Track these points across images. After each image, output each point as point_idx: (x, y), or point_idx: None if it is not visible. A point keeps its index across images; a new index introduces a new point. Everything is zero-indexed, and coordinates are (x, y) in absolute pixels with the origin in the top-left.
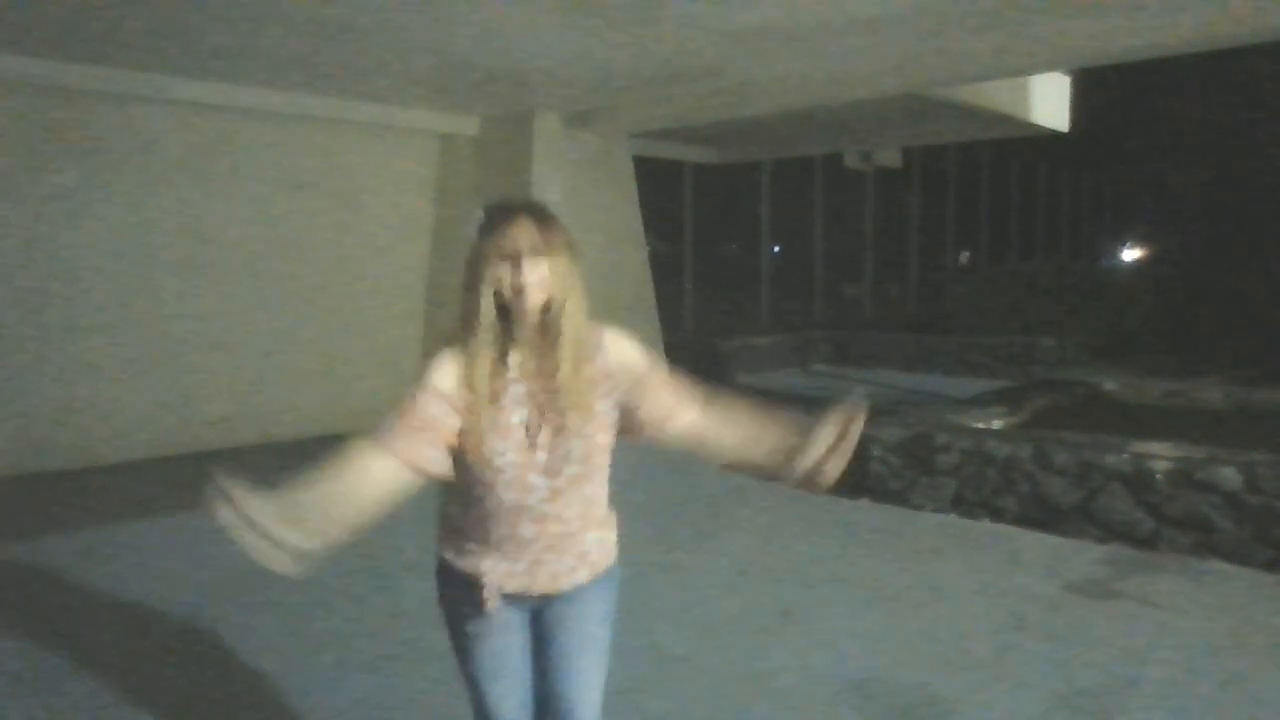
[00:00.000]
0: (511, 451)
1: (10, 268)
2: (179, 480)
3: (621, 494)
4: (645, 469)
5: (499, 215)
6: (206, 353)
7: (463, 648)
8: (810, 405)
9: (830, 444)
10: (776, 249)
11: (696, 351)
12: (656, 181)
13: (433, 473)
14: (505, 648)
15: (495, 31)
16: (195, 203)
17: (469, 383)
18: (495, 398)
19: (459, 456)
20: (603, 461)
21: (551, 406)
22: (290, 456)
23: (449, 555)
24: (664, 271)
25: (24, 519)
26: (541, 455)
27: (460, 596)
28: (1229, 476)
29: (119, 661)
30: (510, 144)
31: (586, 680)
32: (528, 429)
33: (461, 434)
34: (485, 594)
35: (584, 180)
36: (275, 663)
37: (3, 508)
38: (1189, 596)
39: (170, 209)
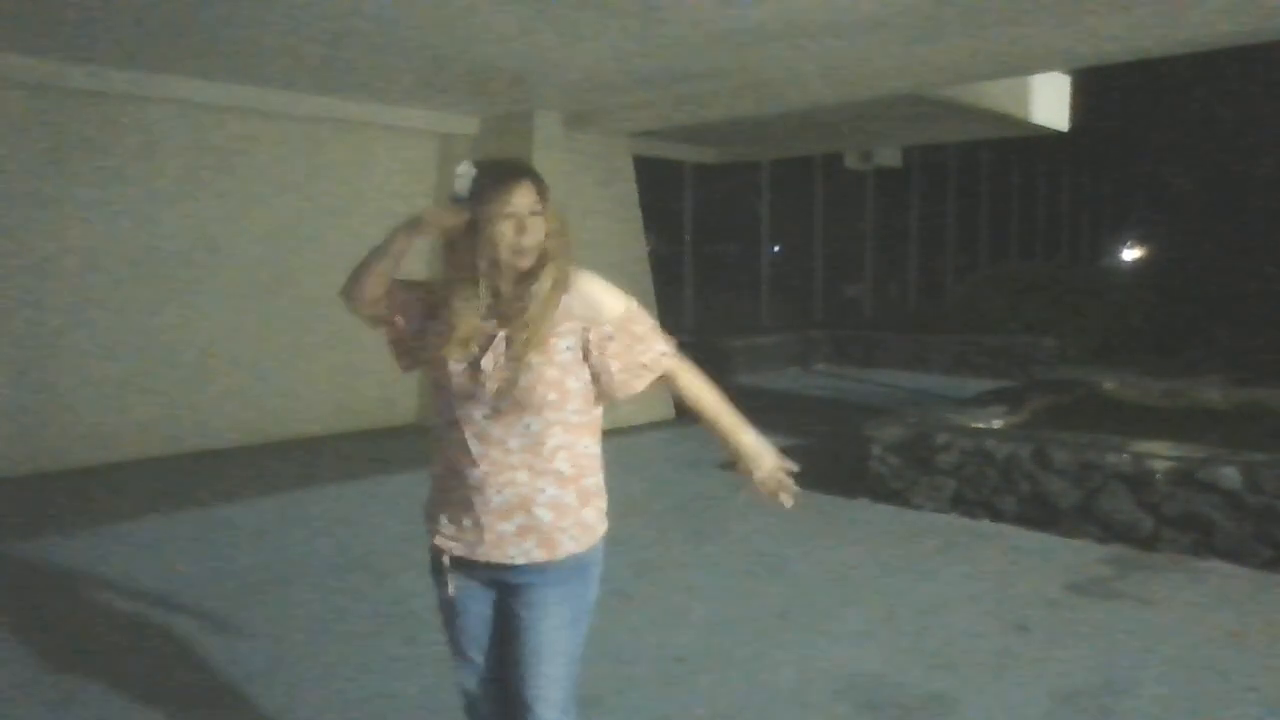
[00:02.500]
0: (464, 361)
1: (12, 268)
2: (181, 480)
3: (622, 494)
4: (645, 468)
5: (501, 176)
6: (208, 352)
7: (442, 616)
8: (810, 405)
9: (759, 480)
10: (776, 249)
11: (696, 351)
12: (656, 181)
13: (379, 311)
14: (469, 625)
15: (495, 31)
16: (196, 202)
17: (448, 318)
18: (465, 335)
19: (426, 368)
20: (555, 401)
21: (505, 335)
22: (293, 456)
23: (428, 528)
24: (664, 271)
25: (27, 519)
26: (485, 375)
27: (435, 568)
28: (1229, 476)
29: (121, 660)
30: (510, 144)
31: (547, 683)
32: (479, 351)
33: (424, 339)
34: (444, 568)
35: (584, 180)
36: (277, 662)
37: (6, 508)
38: (1189, 596)
39: (171, 208)
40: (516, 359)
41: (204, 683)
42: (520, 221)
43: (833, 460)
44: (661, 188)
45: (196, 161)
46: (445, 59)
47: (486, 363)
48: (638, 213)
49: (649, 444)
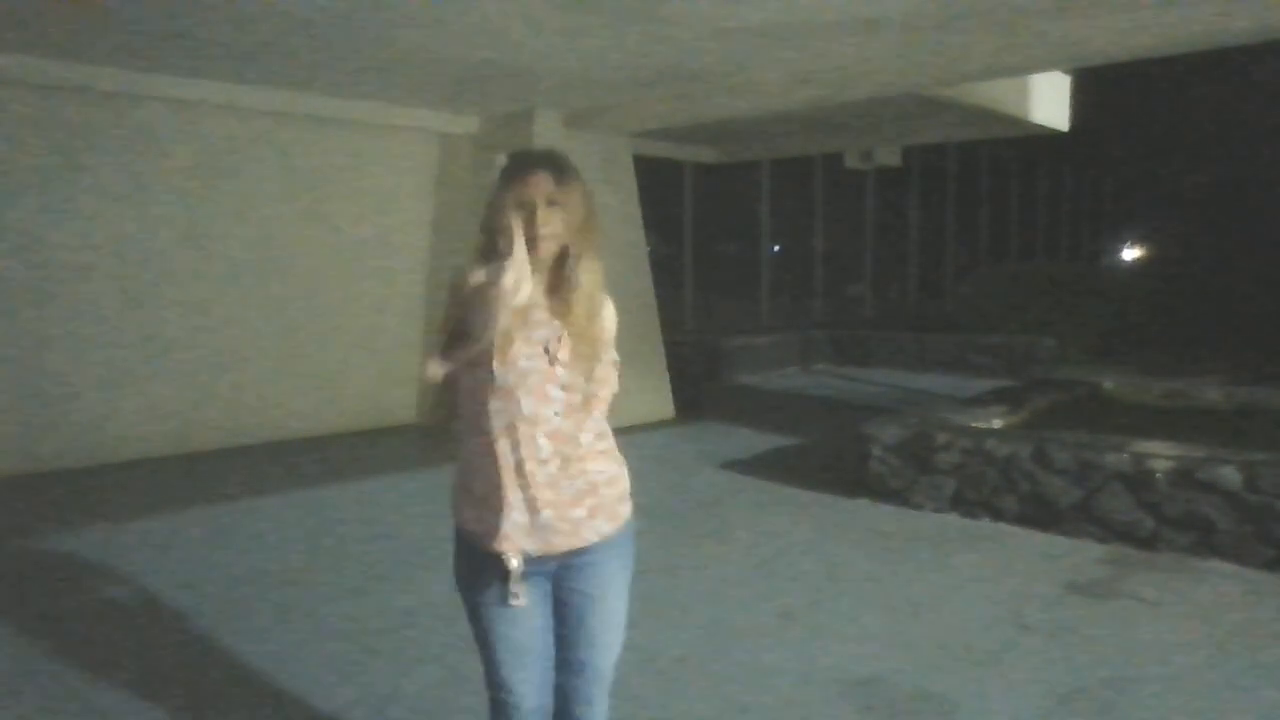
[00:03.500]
0: (536, 359)
1: (11, 267)
2: (180, 481)
3: None
4: (645, 468)
5: (518, 165)
6: (206, 352)
7: (482, 632)
8: (810, 405)
9: None
10: (776, 249)
11: (696, 351)
12: (656, 181)
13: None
14: (529, 634)
15: (495, 31)
16: (195, 202)
17: (484, 299)
18: (521, 314)
19: (481, 372)
20: (606, 397)
21: (569, 334)
22: (290, 457)
23: (469, 524)
24: (664, 271)
25: (28, 518)
26: (560, 371)
27: (481, 578)
28: (1229, 476)
29: (123, 659)
30: (510, 144)
31: (610, 651)
32: (547, 347)
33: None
34: (512, 580)
35: (584, 180)
36: (279, 662)
37: (6, 507)
38: (1190, 596)
39: (170, 208)
40: (589, 357)
41: (207, 682)
42: (530, 212)
43: (833, 460)
44: (661, 188)
45: (195, 161)
46: (445, 59)
47: (563, 355)
48: (638, 213)
49: (649, 443)
